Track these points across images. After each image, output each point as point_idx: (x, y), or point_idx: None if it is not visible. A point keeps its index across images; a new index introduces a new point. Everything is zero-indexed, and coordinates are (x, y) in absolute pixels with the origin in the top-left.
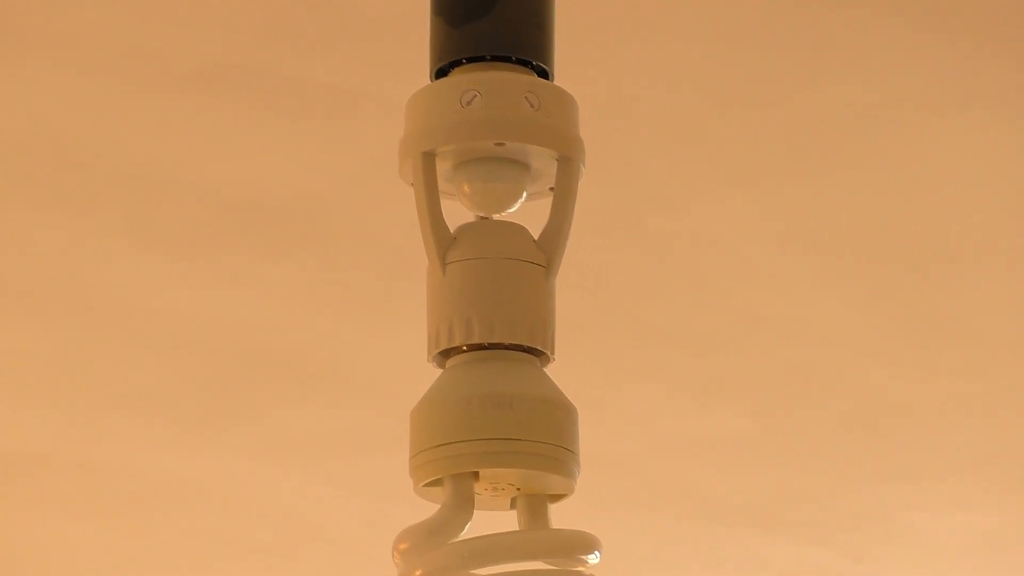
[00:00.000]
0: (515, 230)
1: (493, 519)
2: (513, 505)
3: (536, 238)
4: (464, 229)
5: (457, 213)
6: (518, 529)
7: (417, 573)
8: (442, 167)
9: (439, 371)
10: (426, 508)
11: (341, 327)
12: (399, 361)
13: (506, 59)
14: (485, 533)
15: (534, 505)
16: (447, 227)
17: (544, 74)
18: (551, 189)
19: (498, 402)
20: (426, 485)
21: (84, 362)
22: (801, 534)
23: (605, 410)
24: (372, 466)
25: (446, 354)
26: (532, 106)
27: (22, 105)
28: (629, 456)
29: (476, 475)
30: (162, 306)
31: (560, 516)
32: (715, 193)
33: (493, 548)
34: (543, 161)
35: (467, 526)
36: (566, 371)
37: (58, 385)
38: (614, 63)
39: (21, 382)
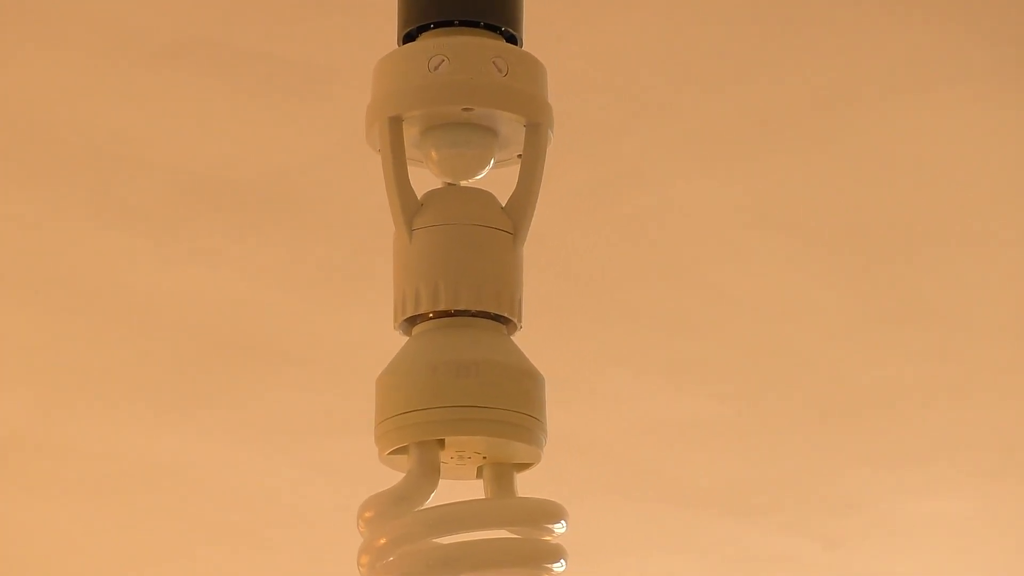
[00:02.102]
0: (483, 196)
1: (460, 488)
2: (479, 474)
3: (504, 205)
4: (431, 195)
5: (424, 181)
6: (484, 497)
7: (381, 541)
8: (409, 133)
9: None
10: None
11: (313, 306)
12: (372, 341)
13: (474, 24)
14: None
15: (500, 474)
16: (414, 193)
17: (513, 40)
18: (519, 156)
19: (464, 369)
20: (391, 453)
21: (54, 343)
22: (774, 520)
23: (575, 392)
24: (346, 448)
25: (412, 321)
26: (500, 71)
27: None
28: (599, 439)
29: (442, 443)
30: (132, 285)
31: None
32: (690, 172)
33: (458, 516)
34: (511, 127)
35: (432, 494)
36: (536, 351)
37: (28, 366)
38: (587, 41)
39: None
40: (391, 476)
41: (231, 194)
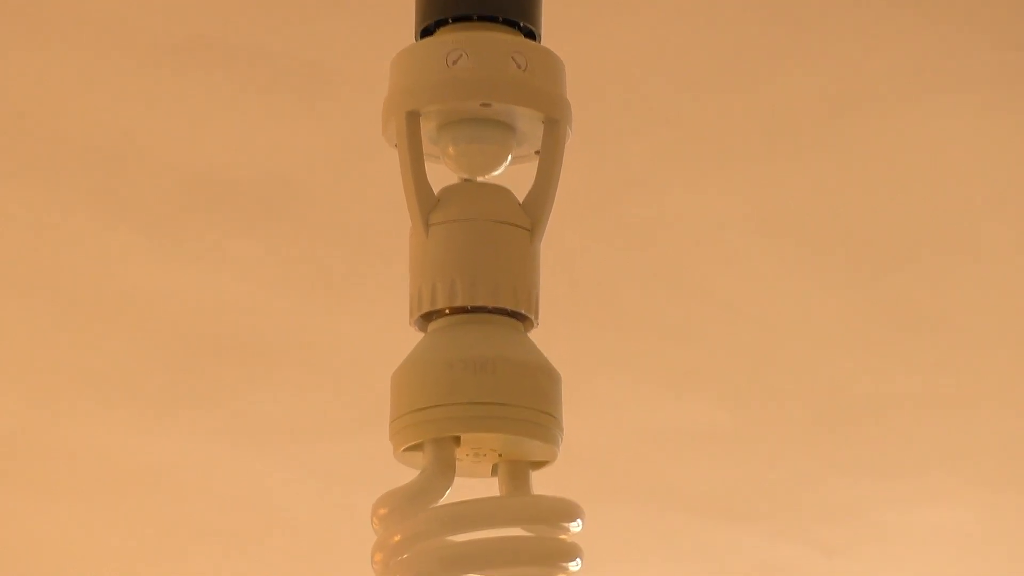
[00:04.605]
0: (500, 192)
1: (474, 486)
2: (494, 472)
3: (521, 201)
4: (448, 191)
5: (439, 177)
6: (499, 495)
7: (396, 538)
8: (426, 128)
9: (420, 335)
10: (393, 484)
11: (309, 309)
12: (367, 345)
13: (493, 19)
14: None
15: (516, 472)
16: (431, 188)
17: (531, 35)
18: (536, 152)
19: (480, 366)
20: (406, 450)
21: (48, 341)
22: (771, 528)
23: (573, 397)
24: (338, 451)
25: (428, 317)
26: (519, 67)
27: None
28: (597, 445)
29: (458, 440)
30: (129, 284)
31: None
32: (692, 178)
33: (473, 514)
34: (529, 123)
35: (447, 492)
36: None
37: (22, 365)
38: (589, 47)
39: None
40: (383, 479)
41: (230, 193)
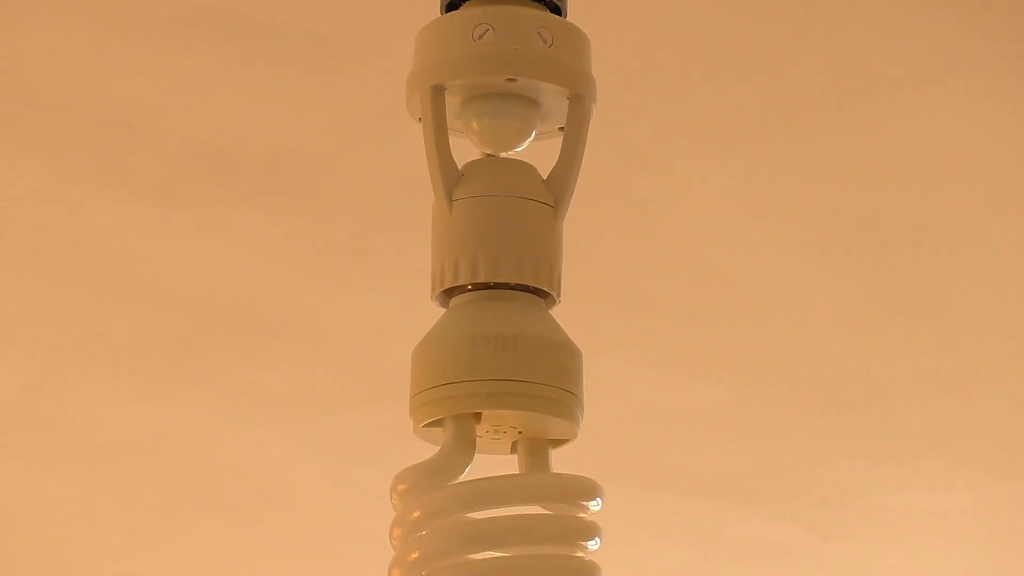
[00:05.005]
0: (524, 168)
1: (493, 463)
2: (514, 449)
3: (545, 178)
4: (471, 166)
5: (460, 152)
6: (518, 472)
7: (415, 514)
8: (450, 102)
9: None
10: (391, 465)
11: (314, 283)
12: (371, 320)
13: None
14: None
15: (535, 449)
16: (455, 163)
17: (557, 10)
18: (560, 129)
19: (502, 343)
20: (426, 426)
21: (53, 313)
22: (769, 509)
23: None
24: (339, 425)
25: (449, 293)
26: (545, 42)
27: None
28: (598, 425)
29: (478, 416)
30: (133, 256)
31: None
32: (698, 160)
33: (493, 491)
34: (554, 99)
35: (467, 468)
36: None
37: (26, 336)
38: (598, 28)
39: None
40: (384, 454)
41: (236, 166)
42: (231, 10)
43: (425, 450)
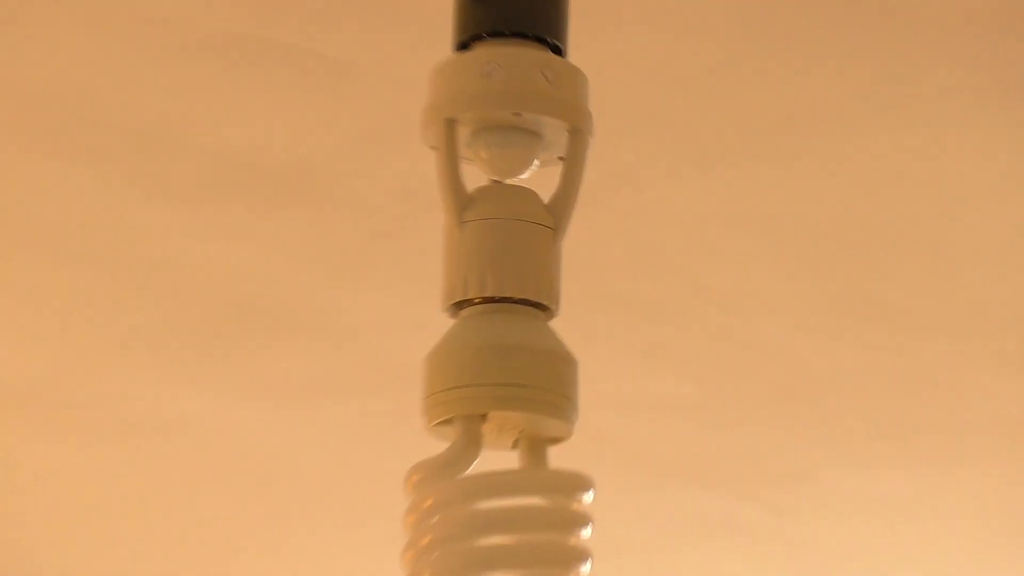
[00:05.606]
0: (527, 194)
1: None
2: (514, 446)
3: (546, 203)
4: (480, 191)
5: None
6: (519, 467)
7: (428, 503)
8: (462, 133)
9: (451, 320)
10: (394, 448)
11: (326, 281)
12: (377, 315)
13: (524, 35)
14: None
15: (534, 447)
16: (465, 188)
17: (558, 51)
18: (560, 158)
19: (508, 351)
20: (437, 424)
21: (84, 303)
22: (729, 490)
23: None
24: (346, 410)
25: (460, 305)
26: (547, 80)
27: (42, 65)
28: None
29: (485, 417)
30: (161, 255)
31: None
32: (674, 176)
33: (499, 483)
34: (555, 132)
35: (475, 462)
36: None
37: (59, 323)
38: (580, 49)
39: (25, 318)
40: (385, 438)
41: (258, 177)
42: (255, 36)
43: (425, 438)
